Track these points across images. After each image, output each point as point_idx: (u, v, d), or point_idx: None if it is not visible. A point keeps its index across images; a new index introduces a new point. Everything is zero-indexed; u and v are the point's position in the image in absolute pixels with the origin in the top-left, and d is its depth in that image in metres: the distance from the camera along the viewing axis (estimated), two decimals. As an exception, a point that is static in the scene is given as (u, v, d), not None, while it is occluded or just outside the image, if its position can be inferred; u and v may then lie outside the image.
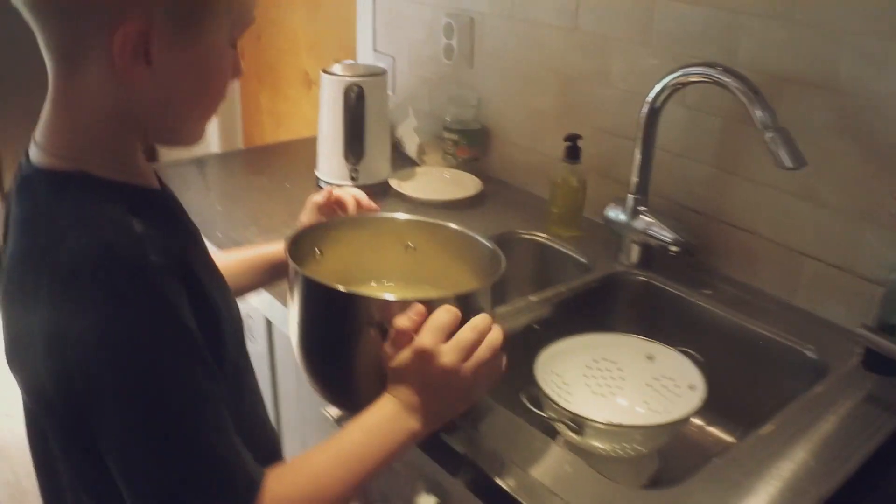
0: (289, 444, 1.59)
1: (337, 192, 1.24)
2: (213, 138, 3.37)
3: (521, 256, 1.67)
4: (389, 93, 2.20)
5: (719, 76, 1.28)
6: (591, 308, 1.48)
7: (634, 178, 1.49)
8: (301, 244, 1.12)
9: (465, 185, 1.87)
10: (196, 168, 2.08)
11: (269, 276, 1.25)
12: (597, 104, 1.67)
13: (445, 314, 0.95)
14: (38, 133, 0.86)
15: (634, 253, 1.53)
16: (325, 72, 1.82)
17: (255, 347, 1.63)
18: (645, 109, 1.42)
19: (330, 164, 1.87)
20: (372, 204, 1.25)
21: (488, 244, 1.15)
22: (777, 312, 1.39)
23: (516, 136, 1.89)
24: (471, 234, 1.18)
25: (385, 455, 0.93)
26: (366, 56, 2.30)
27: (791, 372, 1.31)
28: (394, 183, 1.86)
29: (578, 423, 1.18)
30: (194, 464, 0.78)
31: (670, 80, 1.37)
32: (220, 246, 1.60)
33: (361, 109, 1.77)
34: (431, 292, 1.18)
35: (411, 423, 0.94)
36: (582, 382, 1.35)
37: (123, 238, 0.79)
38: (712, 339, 1.40)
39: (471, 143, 1.95)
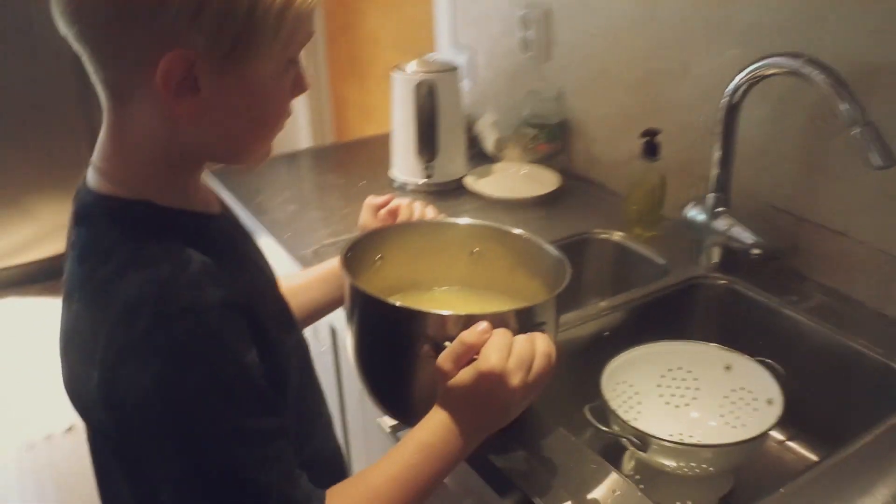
0: (354, 450, 1.58)
1: (397, 201, 1.21)
2: (303, 133, 3.39)
3: (598, 257, 1.61)
4: (469, 86, 2.17)
5: (801, 67, 1.18)
6: (667, 314, 1.41)
7: (714, 176, 1.40)
8: (361, 251, 1.09)
9: (544, 181, 1.81)
10: (280, 165, 2.08)
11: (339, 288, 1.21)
12: (676, 98, 1.58)
13: (507, 335, 0.90)
14: (97, 156, 0.85)
15: (715, 255, 1.44)
16: (396, 69, 1.79)
17: (321, 353, 1.61)
18: (724, 103, 1.33)
19: (404, 162, 1.84)
20: (430, 213, 1.22)
21: (554, 252, 1.10)
22: (869, 324, 1.28)
23: (596, 131, 1.82)
24: (537, 240, 1.13)
25: (440, 474, 0.91)
26: (445, 50, 2.25)
27: (883, 390, 1.21)
28: (469, 181, 1.82)
29: (642, 440, 1.12)
30: (246, 501, 0.79)
31: (748, 73, 1.28)
32: (289, 248, 1.59)
33: (433, 106, 1.73)
34: (495, 301, 1.15)
35: (467, 443, 0.90)
36: (655, 393, 1.29)
37: (181, 276, 0.78)
38: (797, 350, 1.31)
39: (550, 138, 1.88)
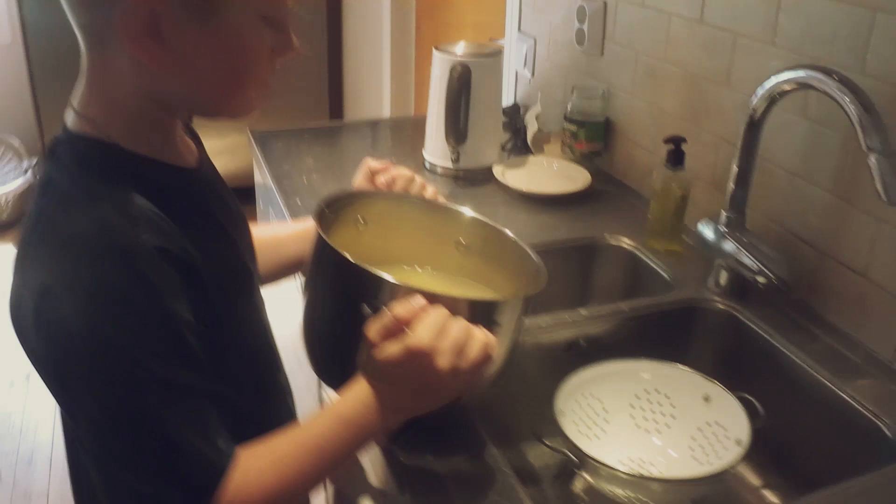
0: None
1: (397, 169, 1.16)
2: (385, 103, 3.40)
3: (606, 264, 1.52)
4: (528, 75, 2.09)
5: (820, 83, 1.07)
6: (657, 333, 1.31)
7: (729, 194, 1.29)
8: (344, 208, 1.05)
9: (573, 179, 1.72)
10: (322, 135, 2.07)
11: None
12: (715, 106, 1.47)
13: (444, 315, 0.85)
14: (75, 99, 0.87)
15: (723, 278, 1.33)
16: (436, 49, 1.73)
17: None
18: (749, 116, 1.22)
19: (434, 144, 1.79)
20: (429, 192, 1.16)
21: (536, 260, 1.04)
22: (871, 375, 1.16)
23: (639, 134, 1.72)
24: (523, 245, 1.07)
25: (351, 448, 0.89)
26: (512, 36, 2.18)
27: (865, 448, 1.09)
28: (497, 171, 1.74)
29: (579, 458, 1.05)
30: (155, 451, 0.79)
31: (771, 86, 1.17)
32: (292, 213, 1.57)
33: (463, 90, 1.67)
34: (467, 292, 1.09)
35: (386, 418, 0.87)
36: (626, 413, 1.21)
37: (120, 218, 0.79)
38: (786, 391, 1.21)
39: (591, 137, 1.79)
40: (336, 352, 0.97)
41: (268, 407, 1.07)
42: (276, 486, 0.84)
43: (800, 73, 1.12)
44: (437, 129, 1.76)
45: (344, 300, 0.92)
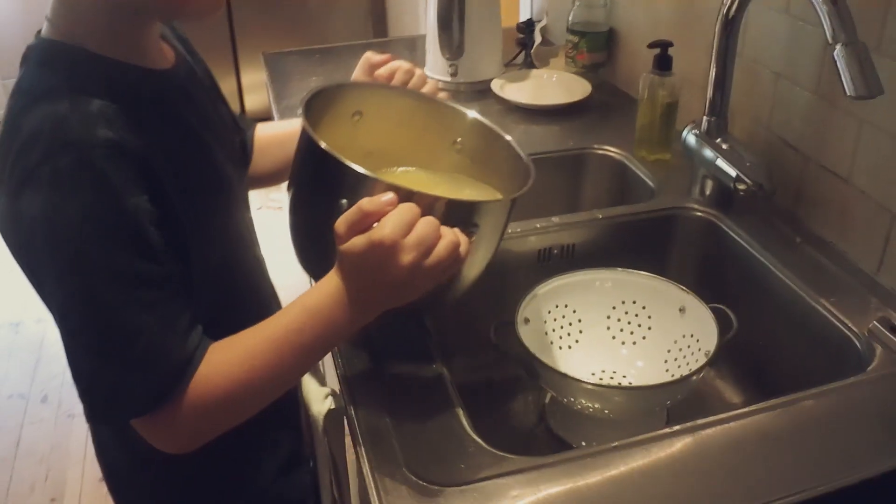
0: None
1: (397, 62, 1.12)
2: (421, 22, 3.31)
3: (594, 174, 1.49)
4: (542, -12, 2.03)
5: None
6: (635, 241, 1.28)
7: (708, 99, 1.23)
8: (339, 100, 1.02)
9: (572, 91, 1.67)
10: (332, 55, 2.05)
11: None
12: (710, 8, 1.40)
13: (413, 211, 0.82)
14: (48, 9, 0.88)
15: (708, 187, 1.29)
16: (433, -40, 1.69)
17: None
18: (721, 15, 1.16)
19: (433, 59, 1.76)
20: (429, 87, 1.12)
21: (525, 162, 1.00)
22: (850, 287, 1.11)
23: (639, 43, 1.65)
24: (515, 147, 1.03)
25: (321, 343, 0.88)
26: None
27: (833, 357, 1.05)
28: (495, 85, 1.70)
29: (529, 368, 1.04)
30: (121, 342, 0.80)
31: (740, -23, 1.10)
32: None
33: (457, 3, 1.62)
34: (455, 192, 1.05)
35: (353, 315, 0.85)
36: (602, 325, 1.19)
37: (77, 113, 0.80)
38: (762, 300, 1.18)
39: (592, 48, 1.73)
40: (319, 246, 0.94)
41: (248, 314, 1.04)
42: (242, 377, 0.85)
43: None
44: (434, 44, 1.72)
45: (325, 194, 0.90)
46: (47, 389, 2.69)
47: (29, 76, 0.85)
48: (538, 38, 1.85)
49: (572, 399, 1.05)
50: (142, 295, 0.81)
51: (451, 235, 0.83)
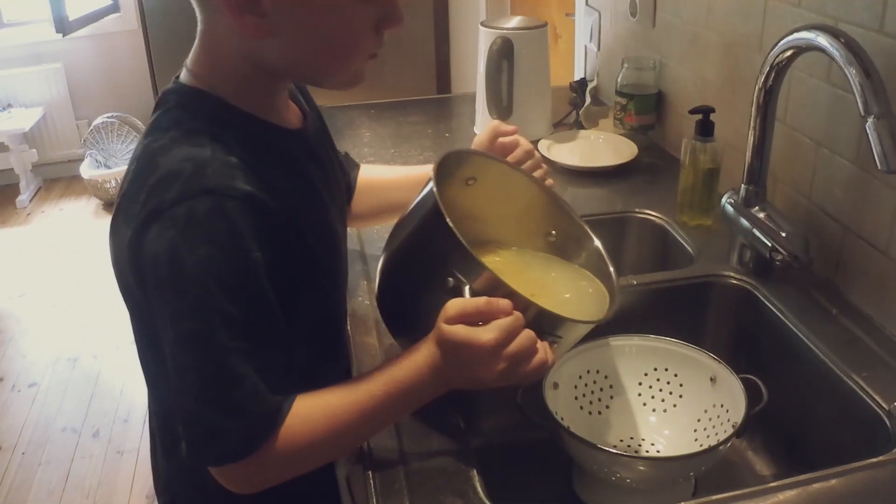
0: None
1: (520, 139, 1.19)
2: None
3: (636, 238, 1.49)
4: (595, 49, 2.05)
5: (821, 45, 1.01)
6: (670, 307, 1.27)
7: (746, 166, 1.23)
8: (458, 164, 1.05)
9: (619, 153, 1.68)
10: (387, 108, 2.09)
11: None
12: (751, 73, 1.39)
13: (519, 323, 0.87)
14: (189, 59, 0.92)
15: (746, 255, 1.28)
16: (481, 24, 1.72)
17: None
18: (759, 82, 1.16)
19: (482, 118, 1.78)
20: (540, 172, 1.19)
21: (614, 281, 1.05)
22: (884, 362, 1.08)
23: (686, 106, 1.64)
24: (608, 261, 1.07)
25: (398, 412, 0.93)
26: (580, 10, 2.14)
27: (862, 434, 1.03)
28: (542, 145, 1.72)
29: (555, 434, 1.03)
30: (225, 388, 0.82)
31: (777, 50, 1.11)
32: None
33: (503, 63, 1.65)
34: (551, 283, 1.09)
35: (436, 388, 0.90)
36: (633, 390, 1.18)
37: (218, 162, 0.84)
38: (793, 372, 1.16)
39: (641, 110, 1.74)
40: (409, 310, 0.99)
41: (331, 365, 1.10)
42: (322, 437, 0.88)
43: (803, 36, 1.05)
44: (483, 104, 1.75)
45: (435, 266, 0.93)
46: (99, 425, 2.75)
47: (168, 117, 0.89)
48: (588, 99, 1.87)
49: (596, 467, 1.04)
50: (248, 345, 0.83)
51: (542, 354, 0.88)
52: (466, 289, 0.88)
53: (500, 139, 1.18)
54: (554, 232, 1.11)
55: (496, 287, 0.88)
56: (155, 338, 0.88)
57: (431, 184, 0.93)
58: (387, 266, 1.01)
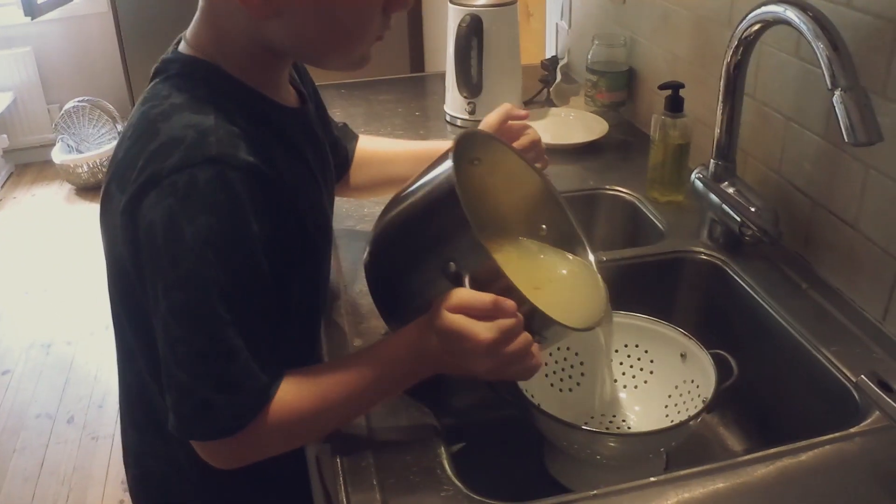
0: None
1: (531, 127, 1.21)
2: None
3: (606, 215, 1.48)
4: (566, 27, 2.04)
5: (789, 17, 1.00)
6: (640, 283, 1.27)
7: (715, 141, 1.23)
8: (470, 144, 1.02)
9: (590, 130, 1.67)
10: (364, 88, 2.07)
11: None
12: (721, 49, 1.39)
13: (519, 326, 0.86)
14: (188, 31, 0.91)
15: (716, 230, 1.27)
16: (451, 1, 1.70)
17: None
18: (728, 56, 1.16)
19: (452, 97, 1.77)
20: (541, 163, 1.20)
21: (604, 296, 1.03)
22: (853, 336, 1.09)
23: (657, 82, 1.64)
24: (594, 270, 1.06)
25: (386, 393, 0.93)
26: (557, -13, 2.12)
27: (832, 407, 1.03)
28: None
29: (525, 412, 1.03)
30: (218, 361, 0.81)
31: (745, 24, 1.10)
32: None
33: (472, 41, 1.64)
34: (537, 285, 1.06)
35: (424, 371, 0.90)
36: (605, 368, 1.17)
37: (222, 130, 0.82)
38: (763, 346, 1.16)
39: (611, 87, 1.73)
40: (398, 280, 0.98)
41: (307, 351, 1.09)
42: (310, 414, 0.88)
43: (771, 9, 1.05)
44: (453, 82, 1.74)
45: (437, 247, 0.91)
46: (74, 411, 2.73)
47: (168, 84, 0.86)
48: (559, 76, 1.86)
49: (567, 444, 1.04)
50: (242, 319, 0.82)
51: (532, 359, 0.87)
52: (467, 276, 0.87)
53: (510, 122, 1.19)
54: (545, 227, 1.09)
55: (496, 279, 0.87)
56: (137, 309, 0.87)
57: (450, 164, 0.90)
58: (385, 234, 0.99)
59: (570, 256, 1.08)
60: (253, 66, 0.89)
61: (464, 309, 0.84)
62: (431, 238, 0.93)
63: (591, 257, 1.07)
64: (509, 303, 0.85)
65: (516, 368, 0.88)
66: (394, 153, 1.27)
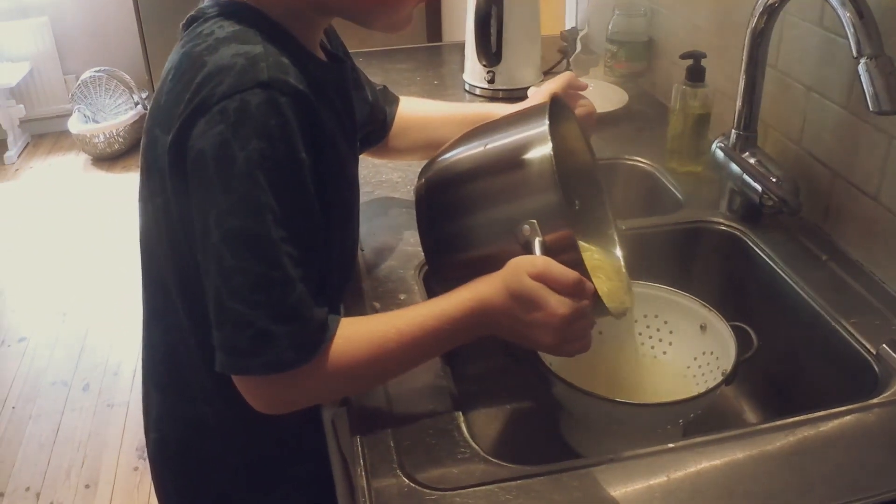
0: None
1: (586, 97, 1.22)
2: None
3: (624, 184, 1.48)
4: (586, -2, 2.02)
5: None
6: (659, 253, 1.26)
7: (737, 112, 1.21)
8: (556, 110, 1.00)
9: (609, 100, 1.66)
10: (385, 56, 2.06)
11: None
12: (742, 19, 1.37)
13: (587, 311, 0.86)
14: None
15: (735, 201, 1.26)
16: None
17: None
18: (751, 24, 1.14)
19: (471, 65, 1.76)
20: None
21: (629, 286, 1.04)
22: (873, 307, 1.08)
23: (678, 53, 1.63)
24: (620, 261, 1.07)
25: (442, 349, 0.91)
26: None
27: (850, 378, 1.03)
28: (531, 92, 1.70)
29: (543, 379, 1.02)
30: (276, 290, 0.78)
31: (768, -9, 1.08)
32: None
33: (494, 10, 1.62)
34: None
35: (482, 331, 0.88)
36: (624, 337, 1.17)
37: (272, 57, 0.80)
38: (783, 318, 1.15)
39: (631, 57, 1.72)
40: (453, 225, 0.95)
41: (339, 298, 1.08)
42: (365, 362, 0.86)
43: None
44: (472, 52, 1.72)
45: (516, 203, 0.89)
46: (89, 378, 2.75)
47: (209, 25, 0.84)
48: (579, 47, 1.84)
49: (584, 412, 1.04)
50: (297, 251, 0.79)
51: (586, 341, 0.87)
52: (538, 241, 0.85)
53: (570, 90, 1.20)
54: (578, 203, 1.08)
55: (569, 253, 0.85)
56: (178, 256, 0.86)
57: (545, 125, 0.89)
58: (453, 170, 0.96)
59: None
60: (296, 20, 0.87)
61: (546, 279, 0.83)
62: (510, 193, 0.91)
63: (619, 252, 1.07)
64: (589, 285, 0.84)
65: (570, 348, 0.87)
66: (438, 117, 1.26)
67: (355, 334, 0.85)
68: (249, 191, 0.76)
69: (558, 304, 0.82)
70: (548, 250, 0.85)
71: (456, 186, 0.96)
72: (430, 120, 1.26)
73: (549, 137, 0.88)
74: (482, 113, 1.20)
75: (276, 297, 0.78)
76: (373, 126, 1.20)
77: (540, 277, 0.83)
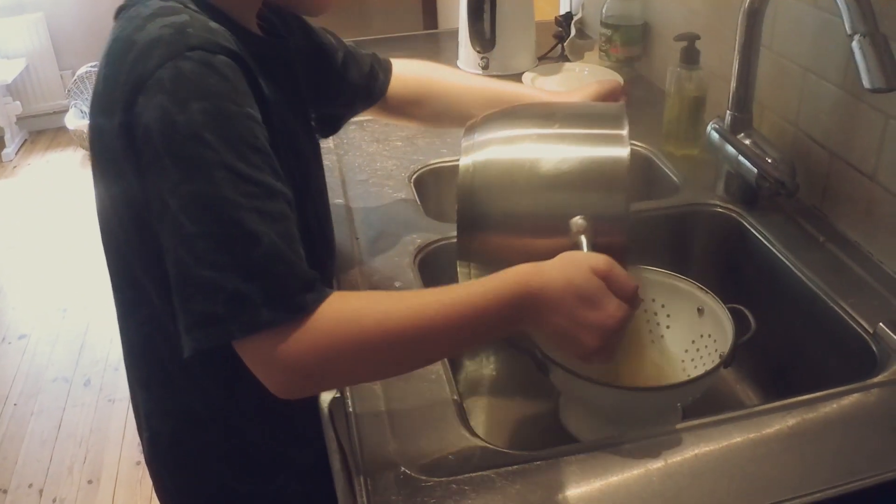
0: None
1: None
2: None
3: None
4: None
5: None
6: (655, 236, 1.26)
7: (731, 93, 1.21)
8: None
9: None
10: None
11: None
12: (738, 2, 1.37)
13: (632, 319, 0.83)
14: None
15: (732, 183, 1.26)
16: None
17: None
18: (745, 4, 1.13)
19: (465, 52, 1.75)
20: None
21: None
22: (871, 288, 1.07)
23: (673, 37, 1.62)
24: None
25: (459, 345, 0.87)
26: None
27: (849, 359, 1.02)
28: (526, 78, 1.69)
29: (541, 365, 1.02)
30: (241, 247, 0.75)
31: (763, -32, 1.07)
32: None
33: (486, -5, 1.62)
34: None
35: (502, 332, 0.83)
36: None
37: (198, 23, 0.80)
38: (781, 300, 1.15)
39: (626, 41, 1.71)
40: (496, 204, 0.91)
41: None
42: (373, 334, 0.77)
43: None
44: (466, 38, 1.72)
45: (572, 195, 0.88)
46: (90, 374, 2.75)
47: (137, 7, 0.83)
48: (573, 32, 1.83)
49: (582, 397, 1.03)
50: (260, 205, 0.76)
51: (616, 352, 0.84)
52: (584, 237, 0.84)
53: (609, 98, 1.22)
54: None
55: (612, 251, 0.83)
56: (143, 240, 0.84)
57: (625, 130, 0.91)
58: (513, 153, 0.93)
59: None
60: (232, 4, 0.88)
61: (609, 280, 0.80)
62: (576, 185, 0.89)
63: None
64: (640, 298, 0.82)
65: (603, 356, 0.83)
66: (468, 90, 1.25)
67: (358, 305, 0.79)
68: (197, 152, 0.74)
69: (617, 308, 0.79)
70: (594, 248, 0.83)
71: (515, 164, 0.92)
72: (458, 91, 1.24)
73: (628, 141, 0.88)
74: (511, 93, 1.21)
75: (241, 255, 0.74)
76: (359, 93, 1.20)
77: (603, 276, 0.80)
